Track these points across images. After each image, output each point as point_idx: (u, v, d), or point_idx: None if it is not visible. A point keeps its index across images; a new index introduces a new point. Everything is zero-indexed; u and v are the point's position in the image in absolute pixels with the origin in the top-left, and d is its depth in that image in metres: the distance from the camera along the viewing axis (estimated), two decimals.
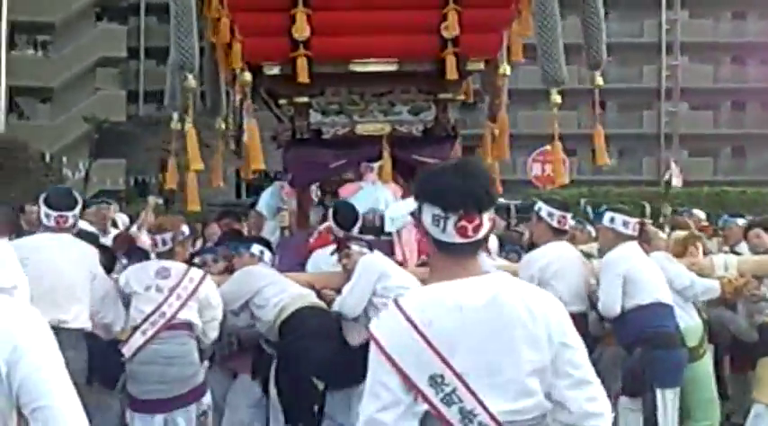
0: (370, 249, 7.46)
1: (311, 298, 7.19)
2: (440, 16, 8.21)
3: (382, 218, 8.26)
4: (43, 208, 6.57)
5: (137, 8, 50.30)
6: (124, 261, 7.80)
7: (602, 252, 7.52)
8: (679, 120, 49.76)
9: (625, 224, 7.20)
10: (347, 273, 7.31)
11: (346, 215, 7.80)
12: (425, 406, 2.73)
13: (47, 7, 44.69)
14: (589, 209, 8.69)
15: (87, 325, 6.37)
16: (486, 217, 2.85)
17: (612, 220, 7.20)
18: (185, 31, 7.60)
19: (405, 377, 2.72)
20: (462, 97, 9.02)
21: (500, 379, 2.75)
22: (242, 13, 8.19)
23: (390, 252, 8.03)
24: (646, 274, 7.06)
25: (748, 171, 49.26)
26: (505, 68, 8.80)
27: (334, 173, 8.67)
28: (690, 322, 7.27)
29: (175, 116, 9.63)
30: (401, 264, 7.89)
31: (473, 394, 2.72)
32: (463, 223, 2.82)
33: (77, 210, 6.69)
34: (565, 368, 2.84)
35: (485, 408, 2.72)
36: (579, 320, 5.60)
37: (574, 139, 39.38)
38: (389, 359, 2.73)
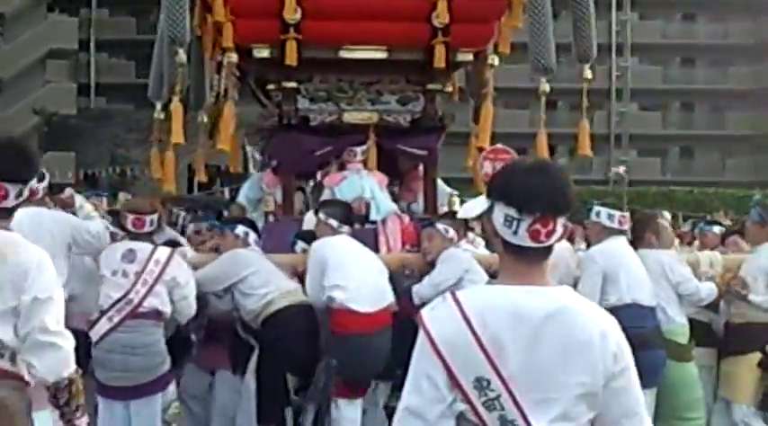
0: (345, 213, 7.43)
1: (299, 295, 7.11)
2: (431, 4, 8.21)
3: (368, 206, 8.22)
4: None
5: (88, 0, 49.72)
6: None
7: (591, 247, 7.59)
8: (629, 121, 50.31)
9: (610, 217, 7.25)
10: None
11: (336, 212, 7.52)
12: (464, 407, 2.65)
13: None
14: None
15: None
16: (560, 223, 2.75)
17: (598, 214, 7.26)
18: (178, 5, 7.54)
19: (451, 374, 2.64)
20: (450, 89, 9.03)
21: (546, 396, 2.66)
22: None
23: (374, 241, 8.00)
24: (625, 273, 7.06)
25: (696, 171, 49.91)
26: (494, 59, 8.75)
27: (320, 161, 8.63)
28: (677, 321, 7.32)
29: (158, 106, 9.52)
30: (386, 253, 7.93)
31: (517, 405, 2.64)
32: (537, 226, 2.71)
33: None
34: (618, 397, 2.75)
35: (527, 421, 2.64)
36: None
37: (524, 138, 39.65)
38: (438, 353, 2.64)
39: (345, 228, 7.28)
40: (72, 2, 48.02)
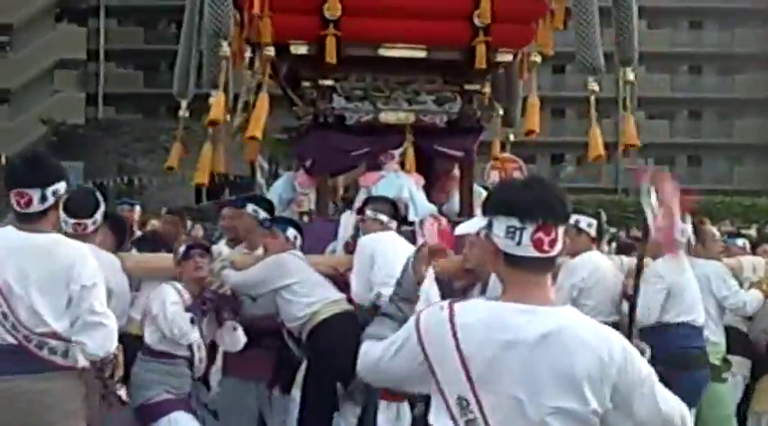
0: (394, 209, 7.31)
1: (344, 304, 6.94)
2: (472, 3, 8.10)
3: (406, 207, 8.04)
4: (61, 214, 5.84)
5: (97, 10, 49.83)
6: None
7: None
8: (636, 129, 50.29)
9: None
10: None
11: (385, 208, 7.39)
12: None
13: (5, 8, 44.02)
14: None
15: None
16: (561, 232, 2.77)
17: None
18: None
19: (436, 381, 2.72)
20: (487, 91, 8.88)
21: (522, 423, 2.66)
22: None
23: (412, 243, 7.57)
24: (688, 291, 6.89)
25: (704, 179, 49.86)
26: (536, 57, 8.62)
27: (355, 161, 8.49)
28: (713, 340, 7.21)
29: (184, 104, 9.50)
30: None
31: None
32: (540, 235, 2.72)
33: (99, 215, 6.07)
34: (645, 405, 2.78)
35: None
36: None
37: (533, 147, 39.72)
38: (426, 354, 2.74)
39: (393, 224, 7.18)
40: (80, 12, 48.17)
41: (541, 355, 2.65)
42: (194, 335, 6.24)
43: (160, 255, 7.29)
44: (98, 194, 6.10)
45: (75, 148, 40.51)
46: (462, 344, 2.66)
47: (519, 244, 2.72)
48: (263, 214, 7.76)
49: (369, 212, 7.18)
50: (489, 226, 2.78)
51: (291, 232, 7.22)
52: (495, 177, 9.92)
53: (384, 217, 7.13)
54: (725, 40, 52.74)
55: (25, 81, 44.68)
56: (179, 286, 6.40)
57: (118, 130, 42.76)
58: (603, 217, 7.68)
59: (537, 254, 2.73)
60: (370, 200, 7.53)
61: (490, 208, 2.81)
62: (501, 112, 9.48)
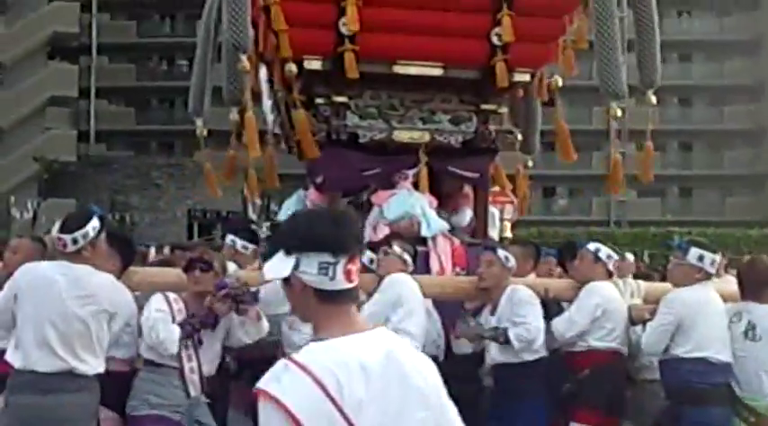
0: (414, 253, 7.10)
1: None
2: (491, 21, 7.98)
3: (419, 224, 7.96)
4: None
5: (88, 48, 49.84)
6: None
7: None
8: (627, 161, 50.36)
9: (701, 258, 6.57)
10: (381, 272, 6.97)
11: (410, 249, 7.20)
12: None
13: None
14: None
15: (102, 368, 5.72)
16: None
17: (686, 252, 6.64)
18: (240, 10, 7.29)
19: None
20: (503, 111, 8.74)
21: None
22: (289, 2, 7.83)
23: (425, 262, 7.73)
24: (702, 325, 6.48)
25: (696, 211, 49.97)
26: (557, 80, 8.54)
27: (368, 180, 8.31)
28: None
29: (199, 122, 9.36)
30: (439, 273, 7.70)
31: None
32: (350, 266, 2.74)
33: (80, 234, 5.61)
34: None
35: None
36: None
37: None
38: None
39: (411, 268, 7.02)
40: (72, 50, 48.17)
41: (392, 374, 2.67)
42: (172, 345, 6.06)
43: (166, 270, 7.29)
44: (95, 216, 5.72)
45: (66, 186, 40.51)
46: (332, 391, 2.57)
47: (333, 278, 2.71)
48: (240, 243, 7.74)
49: (397, 248, 7.00)
50: (296, 265, 2.72)
51: None
52: (493, 210, 9.50)
53: (408, 258, 6.98)
54: (714, 72, 53.08)
55: (17, 118, 44.53)
56: (172, 296, 6.30)
57: (109, 167, 42.71)
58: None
59: (349, 286, 2.74)
60: (393, 236, 7.38)
61: (295, 247, 2.74)
62: (520, 138, 9.32)
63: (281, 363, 2.62)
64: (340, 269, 2.71)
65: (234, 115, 8.56)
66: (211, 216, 39.78)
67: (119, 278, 6.32)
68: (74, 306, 5.52)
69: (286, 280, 2.76)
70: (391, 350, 2.71)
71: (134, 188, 41.72)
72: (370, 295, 6.88)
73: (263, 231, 27.75)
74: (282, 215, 8.90)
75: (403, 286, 6.77)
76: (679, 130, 51.73)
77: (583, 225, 40.57)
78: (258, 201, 32.50)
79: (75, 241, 5.55)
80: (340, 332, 2.69)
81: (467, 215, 8.58)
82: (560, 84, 8.54)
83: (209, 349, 6.38)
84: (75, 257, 5.62)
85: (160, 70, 52.43)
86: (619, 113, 7.92)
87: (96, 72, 49.93)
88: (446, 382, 2.91)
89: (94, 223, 5.65)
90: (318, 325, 2.77)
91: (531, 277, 7.59)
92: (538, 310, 6.83)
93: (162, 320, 6.12)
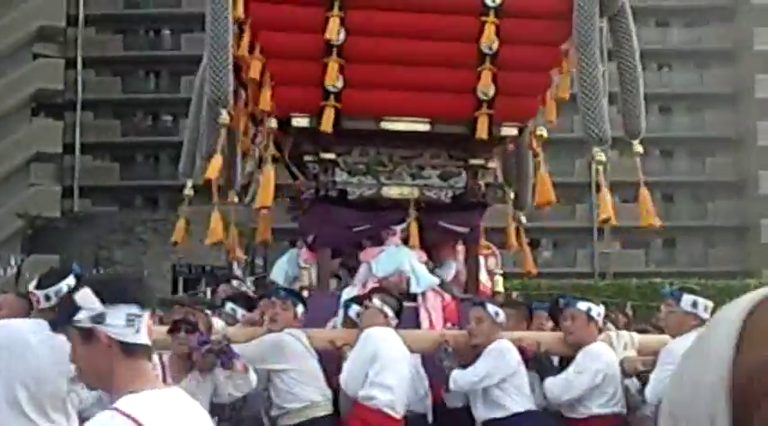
0: (399, 308, 7.07)
1: (327, 407, 6.88)
2: (475, 76, 7.97)
3: (408, 281, 7.89)
4: None
5: (73, 104, 49.97)
6: None
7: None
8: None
9: (694, 304, 6.60)
10: (363, 327, 6.97)
11: (393, 303, 7.17)
12: None
13: None
14: None
15: None
16: None
17: (679, 299, 6.70)
18: (221, 65, 7.33)
19: None
20: (493, 166, 8.75)
21: None
22: (275, 60, 7.86)
23: (415, 317, 7.70)
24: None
25: (679, 262, 50.09)
26: (542, 130, 8.53)
27: (358, 237, 8.24)
28: None
29: (189, 183, 9.36)
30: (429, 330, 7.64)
31: None
32: (149, 322, 2.74)
33: (57, 288, 5.49)
34: None
35: None
36: None
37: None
38: None
39: (394, 322, 6.99)
40: (56, 106, 48.29)
41: None
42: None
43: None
44: (72, 274, 5.62)
45: (51, 241, 40.38)
46: None
47: (138, 331, 2.69)
48: (240, 312, 7.85)
49: (376, 301, 6.98)
50: (101, 317, 2.68)
51: (301, 309, 7.09)
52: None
53: (390, 311, 6.94)
54: (696, 124, 53.50)
55: (1, 174, 44.53)
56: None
57: (93, 223, 42.62)
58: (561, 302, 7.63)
59: (147, 342, 2.72)
60: (376, 291, 7.33)
61: (104, 299, 2.70)
62: (512, 195, 9.35)
63: (107, 413, 2.58)
64: (143, 322, 2.69)
65: (214, 164, 8.42)
66: (196, 270, 39.71)
67: None
68: (46, 367, 5.37)
69: (87, 337, 2.71)
70: (186, 406, 2.73)
71: (118, 243, 41.64)
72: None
73: (248, 286, 27.80)
74: (274, 274, 8.77)
75: (378, 340, 6.76)
76: (661, 182, 52.04)
77: (567, 277, 40.61)
78: (243, 256, 32.61)
79: (47, 297, 5.46)
80: (146, 387, 2.66)
81: (452, 268, 8.53)
82: (545, 135, 8.54)
83: None
84: (50, 314, 5.58)
85: (145, 126, 52.53)
86: (603, 158, 7.96)
87: (81, 128, 50.01)
88: None
89: (69, 280, 5.51)
90: (121, 381, 2.69)
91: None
92: (492, 362, 6.83)
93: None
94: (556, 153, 43.99)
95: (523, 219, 9.73)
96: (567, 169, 50.79)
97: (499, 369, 6.83)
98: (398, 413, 6.72)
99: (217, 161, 7.63)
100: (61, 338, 5.44)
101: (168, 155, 51.21)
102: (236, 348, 6.60)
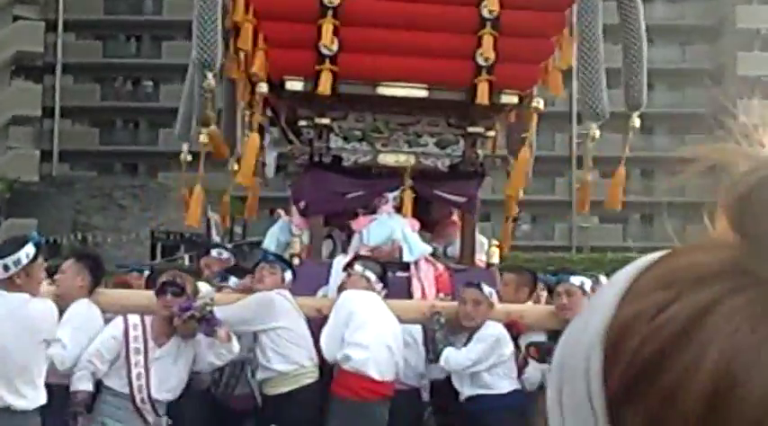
0: (383, 273, 7.05)
1: (314, 373, 6.82)
2: (475, 41, 7.75)
3: (400, 249, 7.77)
4: None
5: (52, 67, 49.56)
6: None
7: None
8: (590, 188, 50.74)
9: None
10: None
11: (375, 268, 7.17)
12: None
13: None
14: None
15: (44, 400, 5.65)
16: None
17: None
18: (209, 26, 7.15)
19: None
20: (492, 134, 8.49)
21: None
22: (268, 22, 7.65)
23: (407, 287, 7.62)
24: None
25: (657, 237, 50.31)
26: (539, 102, 8.24)
27: (351, 204, 8.06)
28: None
29: (185, 148, 9.17)
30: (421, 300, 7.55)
31: None
32: None
33: (15, 258, 5.53)
34: None
35: None
36: None
37: (487, 204, 39.64)
38: None
39: (379, 286, 6.97)
40: (36, 69, 47.87)
41: None
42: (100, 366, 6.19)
43: (137, 292, 7.36)
44: (30, 242, 5.69)
45: (29, 205, 40.11)
46: None
47: None
48: (225, 254, 8.19)
49: (358, 266, 7.00)
50: None
51: (288, 275, 7.06)
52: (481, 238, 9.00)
53: (372, 276, 6.94)
54: (676, 100, 53.64)
55: None
56: (132, 321, 6.36)
57: (72, 187, 42.35)
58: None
59: None
60: (360, 258, 7.29)
61: None
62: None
63: None
64: None
65: (203, 137, 8.10)
66: (174, 237, 39.58)
67: (90, 294, 6.35)
68: (9, 340, 5.42)
69: None
70: None
71: (97, 208, 41.38)
72: None
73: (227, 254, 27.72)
74: (267, 242, 8.57)
75: (352, 301, 6.78)
76: (641, 158, 52.13)
77: (545, 250, 40.80)
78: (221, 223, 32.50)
79: (5, 267, 5.46)
80: None
81: (458, 245, 8.43)
82: (541, 107, 8.30)
83: (169, 377, 6.35)
84: (9, 284, 5.53)
85: (125, 91, 52.18)
86: (597, 134, 7.88)
87: (60, 92, 49.63)
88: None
89: (28, 249, 5.57)
90: None
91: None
92: (487, 349, 6.85)
93: (94, 355, 6.19)
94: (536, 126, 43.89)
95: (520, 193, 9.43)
96: (547, 143, 50.72)
97: (492, 357, 6.85)
98: (379, 375, 6.65)
99: (214, 134, 7.53)
100: (22, 310, 5.44)
101: (148, 121, 51.01)
102: (221, 310, 6.53)
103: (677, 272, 0.68)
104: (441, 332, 6.96)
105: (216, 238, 30.34)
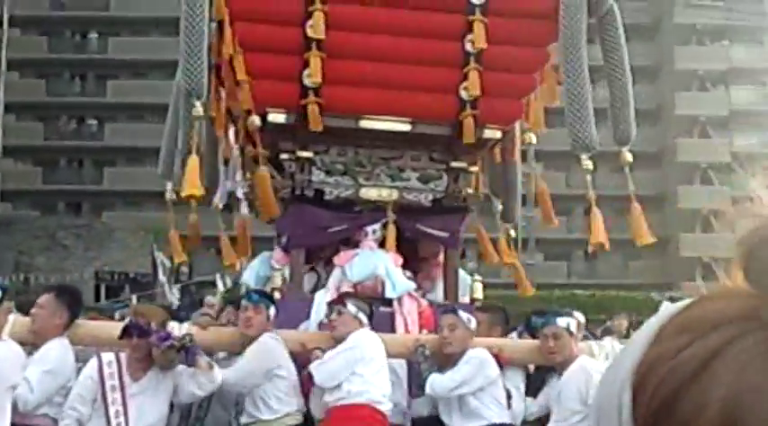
0: (370, 313, 7.00)
1: (300, 414, 6.83)
2: (459, 75, 7.74)
3: (383, 284, 7.67)
4: None
5: None
6: None
7: None
8: (535, 226, 51.07)
9: None
10: (335, 334, 6.90)
11: (366, 309, 7.15)
12: None
13: None
14: None
15: None
16: None
17: None
18: (195, 55, 7.03)
19: None
20: (475, 170, 8.47)
21: None
22: (253, 53, 7.56)
23: (391, 323, 7.54)
24: None
25: (600, 274, 50.75)
26: (531, 137, 8.32)
27: (333, 238, 7.99)
28: None
29: (169, 186, 8.98)
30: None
31: None
32: None
33: None
34: None
35: None
36: None
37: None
38: None
39: (368, 328, 6.96)
40: None
41: None
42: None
43: (110, 324, 7.30)
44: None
45: None
46: None
47: None
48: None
49: (351, 307, 6.93)
50: None
51: (273, 311, 7.00)
52: (464, 275, 8.88)
53: (364, 318, 6.92)
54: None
55: None
56: (107, 359, 6.27)
57: (14, 227, 41.74)
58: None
59: None
60: (348, 296, 7.24)
61: None
62: (500, 207, 9.25)
63: None
64: None
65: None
66: (119, 278, 39.17)
67: (66, 329, 6.27)
68: None
69: None
70: None
71: (40, 249, 40.76)
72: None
73: (173, 294, 27.42)
74: (246, 277, 8.51)
75: (372, 342, 6.80)
76: (584, 195, 52.60)
77: (491, 287, 40.81)
78: (167, 262, 32.15)
79: None
80: None
81: (441, 288, 8.37)
82: (534, 141, 8.36)
83: (148, 412, 6.26)
84: None
85: (69, 129, 51.68)
86: (591, 166, 7.91)
87: (3, 131, 48.95)
88: None
89: None
90: None
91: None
92: (472, 370, 6.85)
93: (76, 400, 6.14)
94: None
95: (512, 232, 9.61)
96: None
97: (478, 378, 6.82)
98: (388, 413, 6.68)
99: (194, 165, 7.31)
100: None
101: (92, 160, 50.56)
102: (224, 374, 6.50)
103: (695, 319, 0.76)
104: (426, 363, 6.96)
105: (162, 278, 30.12)
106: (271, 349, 6.76)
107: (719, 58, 53.83)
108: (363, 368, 6.64)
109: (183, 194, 7.52)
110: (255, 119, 7.61)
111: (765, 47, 54.24)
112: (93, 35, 51.98)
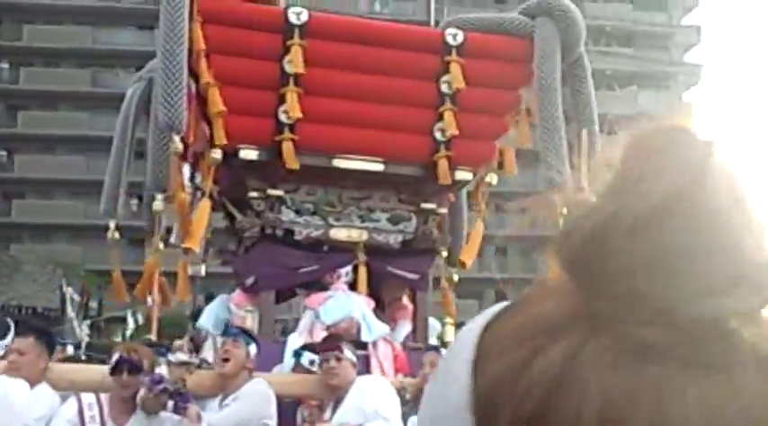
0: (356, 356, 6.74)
1: None
2: (433, 116, 7.73)
3: (359, 326, 7.53)
4: None
5: None
6: None
7: None
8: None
9: None
10: (331, 382, 6.52)
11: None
12: None
13: None
14: None
15: None
16: None
17: None
18: (174, 88, 6.82)
19: None
20: (444, 211, 8.41)
21: None
22: (228, 88, 7.35)
23: (366, 367, 7.27)
24: None
25: None
26: (492, 178, 8.33)
27: (303, 279, 7.85)
28: None
29: (112, 225, 8.67)
30: None
31: None
32: None
33: None
34: None
35: None
36: None
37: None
38: None
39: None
40: None
41: None
42: None
43: (88, 367, 7.02)
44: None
45: None
46: None
47: None
48: None
49: (348, 353, 6.63)
50: None
51: (253, 349, 6.65)
52: (433, 322, 8.84)
53: (355, 361, 6.69)
54: (528, 179, 54.93)
55: None
56: (87, 401, 5.87)
57: None
58: None
59: None
60: (336, 339, 6.98)
61: None
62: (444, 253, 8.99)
63: None
64: None
65: (158, 204, 7.86)
66: (27, 312, 38.31)
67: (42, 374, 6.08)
68: None
69: None
70: None
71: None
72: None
73: (83, 330, 26.88)
74: (204, 319, 8.24)
75: (386, 390, 6.56)
76: (496, 236, 53.09)
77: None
78: (77, 298, 31.55)
79: None
80: None
81: (405, 328, 8.24)
82: (494, 182, 8.35)
83: None
84: None
85: None
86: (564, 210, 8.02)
87: None
88: None
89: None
90: None
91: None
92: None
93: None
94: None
95: (455, 277, 9.42)
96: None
97: None
98: None
99: (183, 201, 7.21)
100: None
101: (1, 192, 49.41)
102: (215, 420, 6.19)
103: (528, 326, 0.67)
104: (406, 407, 6.91)
105: (71, 314, 29.50)
106: (268, 398, 6.48)
107: (628, 103, 55.19)
108: (392, 414, 6.38)
109: (182, 245, 7.38)
110: (218, 153, 7.40)
111: (671, 91, 55.85)
112: (5, 65, 50.97)
